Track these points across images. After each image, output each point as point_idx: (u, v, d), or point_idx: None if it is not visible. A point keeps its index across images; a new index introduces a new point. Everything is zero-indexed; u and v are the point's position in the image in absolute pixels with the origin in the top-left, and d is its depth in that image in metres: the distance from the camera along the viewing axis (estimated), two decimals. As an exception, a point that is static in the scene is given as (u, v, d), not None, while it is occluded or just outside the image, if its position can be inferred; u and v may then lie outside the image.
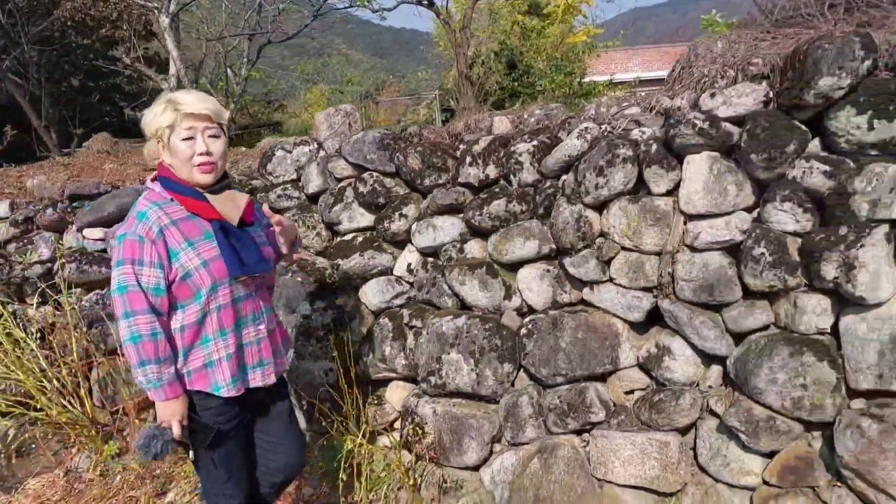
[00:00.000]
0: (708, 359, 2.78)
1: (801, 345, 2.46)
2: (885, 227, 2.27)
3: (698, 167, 2.60)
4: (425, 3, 14.36)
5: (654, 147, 2.74)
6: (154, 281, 1.93)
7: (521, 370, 3.12)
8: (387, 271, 3.50)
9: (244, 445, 2.24)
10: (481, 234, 3.20)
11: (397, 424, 3.48)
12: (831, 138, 2.44)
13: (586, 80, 11.47)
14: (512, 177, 3.09)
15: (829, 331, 2.46)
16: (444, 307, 3.30)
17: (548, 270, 3.03)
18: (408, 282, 3.47)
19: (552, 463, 2.95)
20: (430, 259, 3.38)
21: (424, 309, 3.37)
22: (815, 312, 2.45)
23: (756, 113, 2.55)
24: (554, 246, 2.99)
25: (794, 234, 2.48)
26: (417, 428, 3.23)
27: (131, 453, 3.58)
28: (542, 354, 2.97)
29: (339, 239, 3.70)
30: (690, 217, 2.68)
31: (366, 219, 3.57)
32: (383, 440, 3.51)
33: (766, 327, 2.61)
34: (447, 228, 3.25)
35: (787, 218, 2.46)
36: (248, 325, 2.12)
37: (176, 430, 2.01)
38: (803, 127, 2.49)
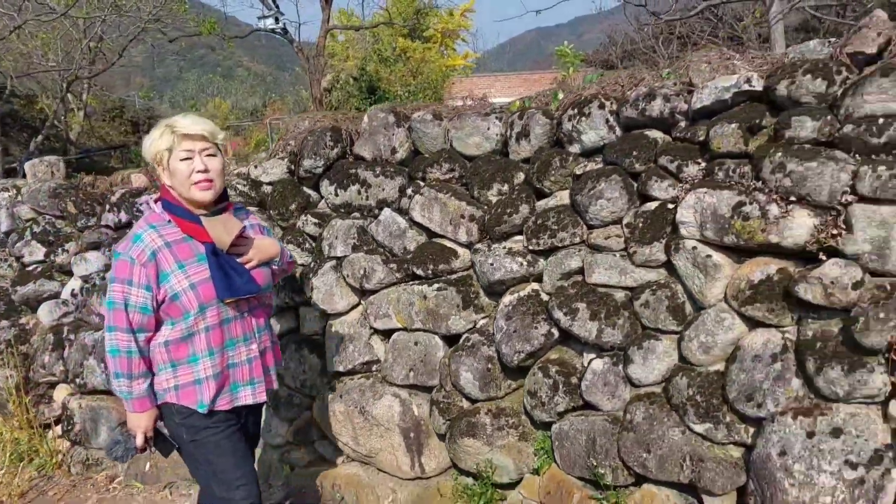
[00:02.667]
0: (267, 355, 3.81)
1: (303, 342, 3.55)
2: (332, 262, 3.40)
3: (242, 218, 3.64)
4: (279, 31, 14.98)
5: (223, 202, 3.76)
6: (142, 301, 2.03)
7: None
8: (56, 295, 4.32)
9: (240, 444, 2.25)
10: (119, 265, 4.10)
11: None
12: (325, 200, 3.56)
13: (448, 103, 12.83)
14: (134, 220, 4.02)
15: (321, 332, 3.56)
16: (92, 324, 4.16)
17: (163, 293, 3.97)
18: (73, 304, 4.30)
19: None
20: (86, 285, 4.23)
21: (80, 325, 4.21)
22: (311, 319, 3.55)
23: (280, 181, 3.64)
24: (167, 274, 3.93)
25: (301, 265, 3.57)
26: (70, 419, 4.06)
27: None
28: (155, 357, 3.90)
29: (24, 269, 4.47)
30: (244, 253, 3.71)
31: (41, 253, 4.36)
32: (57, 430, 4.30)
33: (295, 331, 3.68)
34: (94, 261, 4.12)
35: (294, 255, 3.55)
36: (238, 346, 2.19)
37: (139, 441, 2.14)
38: (308, 190, 3.60)
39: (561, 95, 3.24)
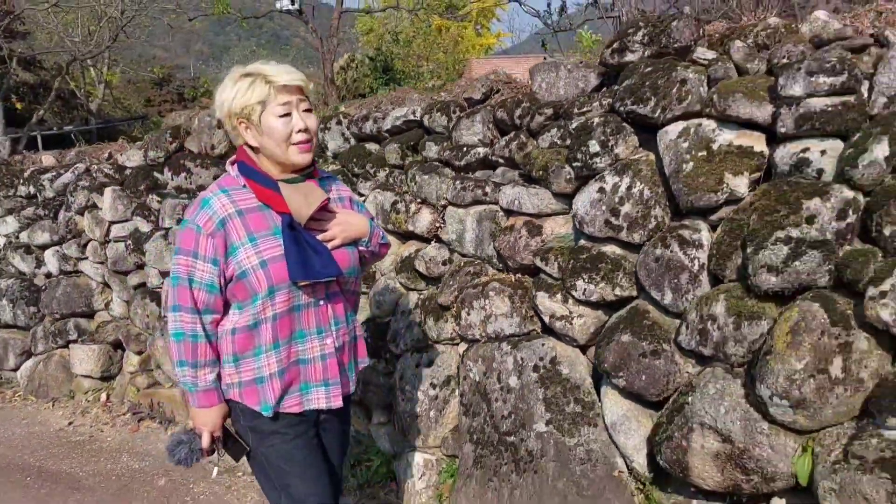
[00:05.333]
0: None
1: (147, 294, 4.59)
2: (163, 231, 4.42)
3: (107, 194, 4.69)
4: (294, 11, 16.04)
5: (96, 182, 4.81)
6: (208, 277, 1.74)
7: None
8: (-16, 249, 5.45)
9: (315, 453, 1.92)
10: (27, 227, 5.20)
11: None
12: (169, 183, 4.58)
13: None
14: (39, 194, 5.11)
15: (160, 286, 4.60)
16: (7, 273, 5.28)
17: (57, 251, 5.06)
18: (-3, 257, 5.44)
19: (49, 364, 4.99)
20: (6, 241, 5.36)
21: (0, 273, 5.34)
22: (152, 275, 4.59)
23: (137, 166, 4.66)
24: (60, 236, 5.02)
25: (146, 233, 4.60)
26: (-13, 347, 5.21)
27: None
28: (48, 301, 5.01)
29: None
30: (111, 223, 4.77)
31: (-26, 215, 5.49)
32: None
33: (143, 285, 4.73)
34: (11, 223, 5.23)
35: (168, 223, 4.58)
36: (310, 339, 1.83)
37: (204, 441, 1.82)
38: (157, 174, 4.62)
39: (343, 108, 4.18)
